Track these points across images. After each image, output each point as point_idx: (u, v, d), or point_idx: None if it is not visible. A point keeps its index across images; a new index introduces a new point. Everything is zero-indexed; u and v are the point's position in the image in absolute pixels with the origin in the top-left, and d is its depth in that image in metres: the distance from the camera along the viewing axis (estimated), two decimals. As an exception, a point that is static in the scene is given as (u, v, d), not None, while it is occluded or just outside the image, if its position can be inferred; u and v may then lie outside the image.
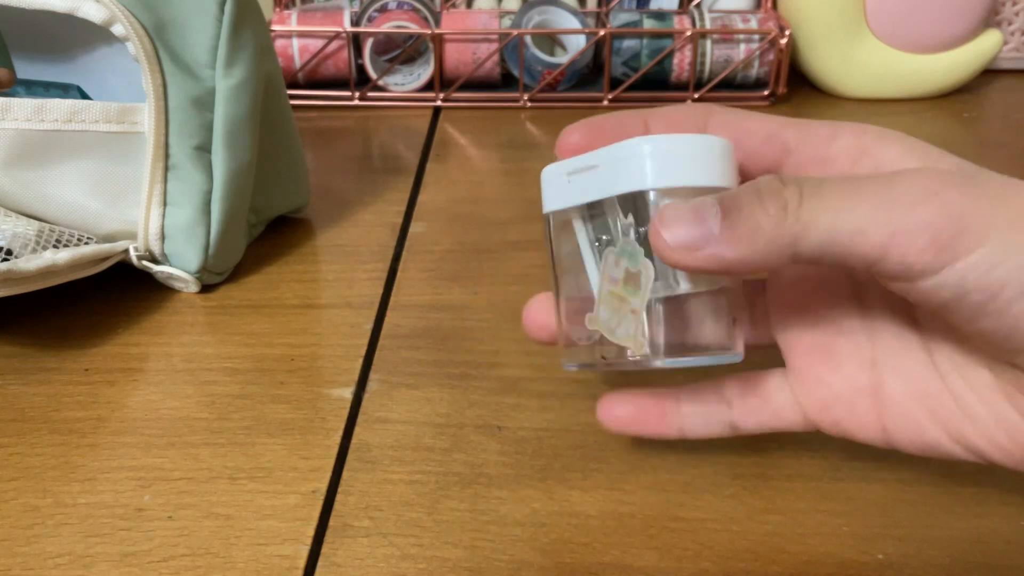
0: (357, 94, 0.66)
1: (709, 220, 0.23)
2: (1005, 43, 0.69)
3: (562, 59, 0.65)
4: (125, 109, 0.40)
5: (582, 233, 0.27)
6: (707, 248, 0.23)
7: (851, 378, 0.28)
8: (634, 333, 0.26)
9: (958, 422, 0.26)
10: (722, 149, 0.26)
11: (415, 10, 0.65)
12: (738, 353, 0.27)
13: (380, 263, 0.46)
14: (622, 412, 0.30)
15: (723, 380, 0.30)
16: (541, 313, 0.30)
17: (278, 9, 0.67)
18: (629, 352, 0.26)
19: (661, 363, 0.26)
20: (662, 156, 0.25)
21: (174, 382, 0.37)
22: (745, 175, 0.28)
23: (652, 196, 0.25)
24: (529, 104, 0.66)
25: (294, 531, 0.30)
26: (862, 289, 0.28)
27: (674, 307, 0.26)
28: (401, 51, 0.66)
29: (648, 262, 0.25)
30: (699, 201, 0.24)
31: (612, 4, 0.69)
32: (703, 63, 0.65)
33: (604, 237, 0.27)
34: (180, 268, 0.42)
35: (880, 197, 0.22)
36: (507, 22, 0.65)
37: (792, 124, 0.27)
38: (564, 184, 0.27)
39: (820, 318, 0.28)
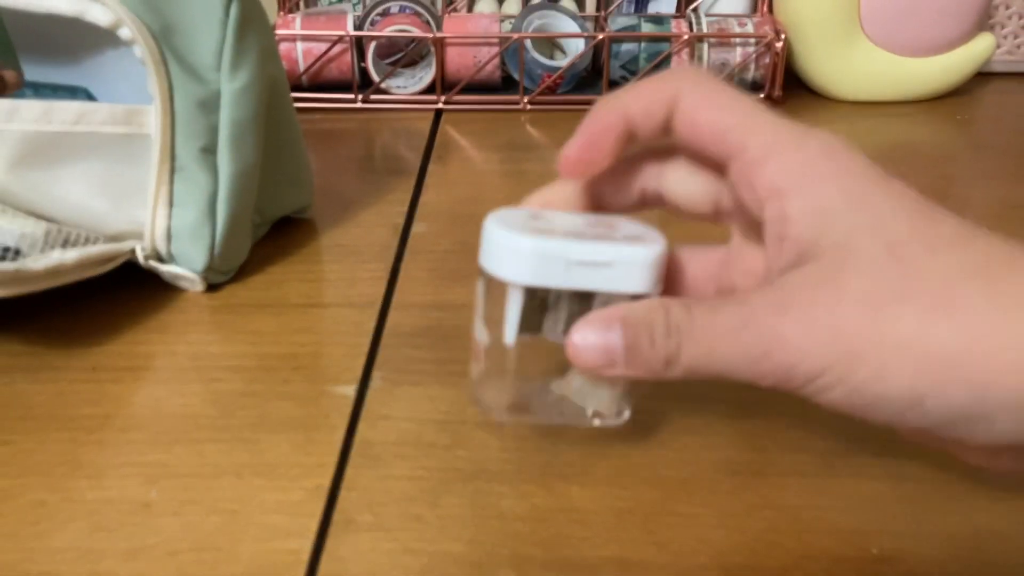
0: (360, 97, 0.67)
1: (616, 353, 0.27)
2: (998, 46, 0.70)
3: (561, 62, 0.65)
4: (132, 111, 0.40)
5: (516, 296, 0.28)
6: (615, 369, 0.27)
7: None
8: (608, 403, 0.30)
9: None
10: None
11: (417, 14, 0.66)
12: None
13: (382, 263, 0.46)
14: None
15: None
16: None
17: (282, 13, 0.68)
18: (594, 416, 0.30)
19: (617, 423, 0.31)
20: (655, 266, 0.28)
21: (180, 380, 0.37)
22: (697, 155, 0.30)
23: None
24: (529, 107, 0.66)
25: (298, 526, 0.30)
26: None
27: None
28: (403, 54, 0.66)
29: None
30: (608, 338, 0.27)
31: (611, 8, 0.69)
32: (700, 67, 0.65)
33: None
34: (186, 268, 0.42)
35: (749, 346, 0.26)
36: (507, 26, 0.66)
37: (757, 133, 0.27)
38: (561, 267, 0.28)
39: None
